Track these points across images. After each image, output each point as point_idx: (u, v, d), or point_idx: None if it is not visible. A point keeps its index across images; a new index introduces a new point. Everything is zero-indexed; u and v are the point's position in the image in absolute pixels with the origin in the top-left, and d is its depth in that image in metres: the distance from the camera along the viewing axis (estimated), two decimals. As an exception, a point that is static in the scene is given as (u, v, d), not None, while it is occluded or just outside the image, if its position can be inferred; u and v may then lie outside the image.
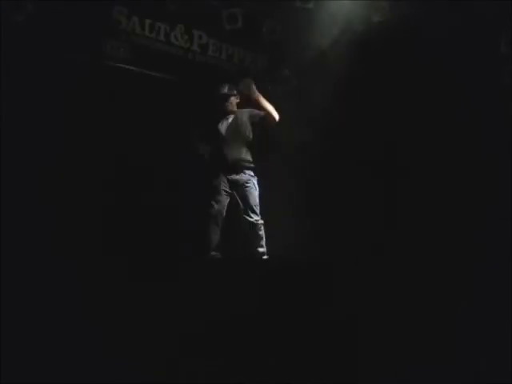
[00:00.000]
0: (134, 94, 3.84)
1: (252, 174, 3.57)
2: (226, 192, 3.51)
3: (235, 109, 3.68)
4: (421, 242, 3.72)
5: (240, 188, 3.52)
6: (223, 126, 3.65)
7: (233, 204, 3.55)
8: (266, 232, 3.57)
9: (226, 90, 3.67)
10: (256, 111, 3.58)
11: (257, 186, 3.56)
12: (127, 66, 3.92)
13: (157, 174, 3.94)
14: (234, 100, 3.68)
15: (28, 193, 3.26)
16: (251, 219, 3.50)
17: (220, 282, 2.70)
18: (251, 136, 3.61)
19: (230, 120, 3.65)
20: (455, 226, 3.74)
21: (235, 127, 3.60)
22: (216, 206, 3.47)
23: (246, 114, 3.63)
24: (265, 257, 3.54)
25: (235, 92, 3.68)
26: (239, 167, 3.53)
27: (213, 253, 3.45)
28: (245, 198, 3.51)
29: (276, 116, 3.52)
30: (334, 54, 4.46)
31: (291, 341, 2.44)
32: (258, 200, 3.54)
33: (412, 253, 3.53)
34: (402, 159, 4.20)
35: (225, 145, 3.56)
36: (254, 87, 3.55)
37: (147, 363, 2.21)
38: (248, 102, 3.63)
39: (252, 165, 3.59)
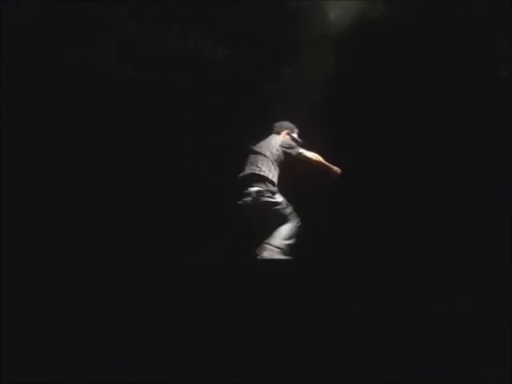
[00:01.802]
0: (134, 93, 3.84)
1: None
2: None
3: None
4: (421, 242, 3.73)
5: None
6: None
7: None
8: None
9: None
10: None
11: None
12: (128, 68, 3.92)
13: (157, 174, 3.94)
14: None
15: (28, 193, 3.26)
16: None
17: (220, 283, 2.70)
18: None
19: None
20: (455, 225, 3.75)
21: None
22: None
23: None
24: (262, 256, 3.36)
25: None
26: None
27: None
28: None
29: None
30: (332, 51, 4.45)
31: (291, 341, 2.44)
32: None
33: (412, 252, 3.53)
34: (402, 159, 4.20)
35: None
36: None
37: (147, 363, 2.21)
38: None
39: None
